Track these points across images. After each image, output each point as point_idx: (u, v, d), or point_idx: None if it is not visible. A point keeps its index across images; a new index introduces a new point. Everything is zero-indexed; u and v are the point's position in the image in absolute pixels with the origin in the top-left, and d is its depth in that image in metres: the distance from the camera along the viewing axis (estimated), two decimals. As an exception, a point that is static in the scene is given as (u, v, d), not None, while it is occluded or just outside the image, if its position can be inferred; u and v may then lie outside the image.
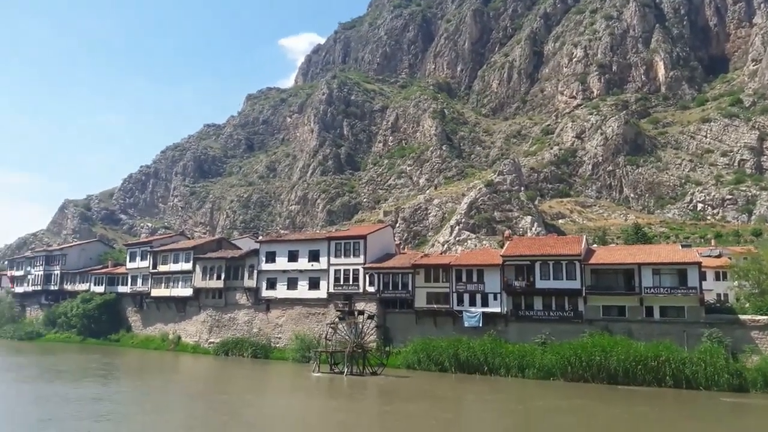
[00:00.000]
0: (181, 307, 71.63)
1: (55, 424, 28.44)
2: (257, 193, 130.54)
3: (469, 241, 72.63)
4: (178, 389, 44.47)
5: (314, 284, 60.42)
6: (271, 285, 63.43)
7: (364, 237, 59.15)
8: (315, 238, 65.24)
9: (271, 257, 63.77)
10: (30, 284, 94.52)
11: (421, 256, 59.25)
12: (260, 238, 75.75)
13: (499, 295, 51.06)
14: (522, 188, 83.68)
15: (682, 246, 51.14)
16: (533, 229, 74.56)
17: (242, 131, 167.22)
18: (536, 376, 45.33)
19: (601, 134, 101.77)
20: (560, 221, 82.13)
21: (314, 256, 60.82)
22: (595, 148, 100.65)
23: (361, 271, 57.71)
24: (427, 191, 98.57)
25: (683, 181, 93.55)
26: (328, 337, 51.19)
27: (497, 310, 50.89)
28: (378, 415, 34.53)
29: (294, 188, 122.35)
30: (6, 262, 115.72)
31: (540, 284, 49.52)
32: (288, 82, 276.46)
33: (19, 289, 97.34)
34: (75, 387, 41.22)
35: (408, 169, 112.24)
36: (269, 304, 63.56)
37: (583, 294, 48.08)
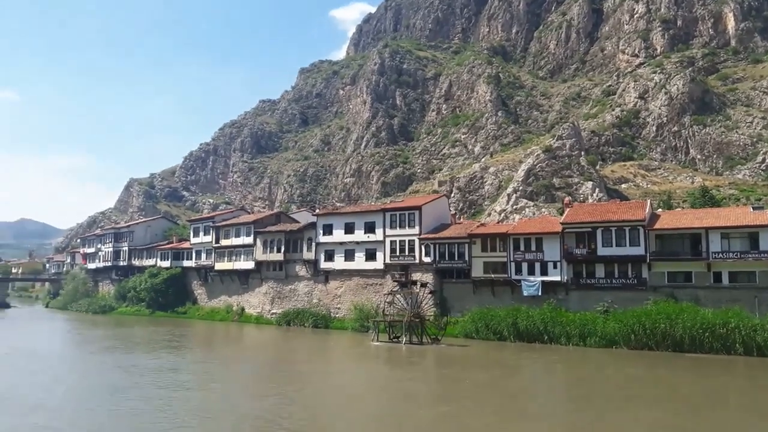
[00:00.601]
0: (243, 280, 73.77)
1: (136, 392, 29.84)
2: (313, 167, 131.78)
3: (526, 209, 71.22)
4: (247, 359, 46.01)
5: (371, 256, 60.88)
6: (329, 257, 64.33)
7: (419, 208, 58.96)
8: (370, 210, 65.49)
9: (328, 230, 64.56)
10: (101, 260, 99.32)
11: (478, 226, 58.60)
12: (317, 211, 76.74)
13: (558, 264, 50.06)
14: (582, 153, 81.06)
15: (754, 208, 48.42)
16: (594, 194, 72.33)
17: (296, 106, 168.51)
18: (598, 344, 44.47)
19: (666, 93, 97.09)
20: (623, 186, 79.39)
21: (370, 228, 61.17)
22: (660, 108, 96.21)
23: (417, 241, 57.66)
24: (483, 159, 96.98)
25: (754, 140, 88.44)
26: (385, 307, 51.63)
27: (557, 278, 49.97)
28: (440, 383, 34.57)
29: (348, 161, 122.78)
30: (79, 240, 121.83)
31: (602, 251, 48.23)
32: (340, 54, 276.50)
33: (91, 266, 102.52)
34: (151, 357, 43.11)
35: (462, 137, 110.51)
36: (328, 276, 64.57)
37: (647, 260, 46.56)
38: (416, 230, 58.05)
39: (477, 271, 53.63)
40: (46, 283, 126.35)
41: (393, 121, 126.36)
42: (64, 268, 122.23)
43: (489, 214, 75.27)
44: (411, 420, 25.15)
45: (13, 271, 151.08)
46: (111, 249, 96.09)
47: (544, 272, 50.56)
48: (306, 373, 37.34)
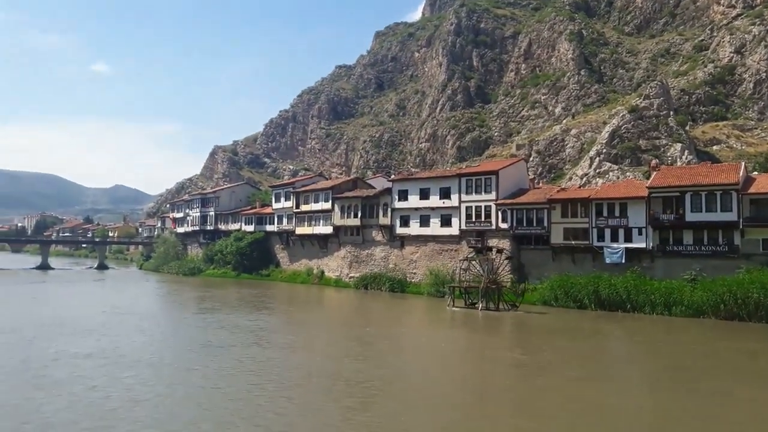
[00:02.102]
0: (323, 244, 75.80)
1: (230, 351, 31.53)
2: (388, 132, 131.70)
3: (610, 173, 68.46)
4: (330, 320, 47.81)
5: (446, 221, 60.80)
6: (405, 222, 64.79)
7: (495, 172, 58.04)
8: (446, 175, 65.13)
9: (403, 195, 64.86)
10: (189, 225, 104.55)
11: (558, 191, 57.09)
12: (392, 177, 77.12)
13: (644, 230, 48.17)
14: (671, 113, 76.60)
15: None
16: (684, 157, 68.46)
17: (371, 70, 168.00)
18: (684, 314, 42.82)
19: (765, 47, 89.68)
20: (715, 148, 74.58)
21: (445, 194, 60.93)
22: (758, 64, 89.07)
23: (494, 207, 56.96)
24: (564, 121, 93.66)
25: None
26: (461, 273, 51.68)
27: (642, 245, 48.16)
28: (519, 348, 34.41)
29: (423, 125, 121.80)
30: (168, 206, 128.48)
31: (690, 217, 45.96)
32: (415, 15, 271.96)
33: (180, 230, 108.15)
34: (244, 317, 45.20)
35: (542, 98, 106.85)
36: (403, 241, 65.15)
37: (740, 227, 43.98)
38: (493, 195, 57.29)
39: (556, 238, 52.48)
40: (140, 246, 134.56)
41: (469, 83, 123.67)
42: (156, 232, 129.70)
43: (570, 179, 73.02)
44: (506, 390, 24.97)
45: (110, 234, 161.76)
46: (198, 214, 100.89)
47: (628, 239, 48.83)
48: (388, 335, 38.21)
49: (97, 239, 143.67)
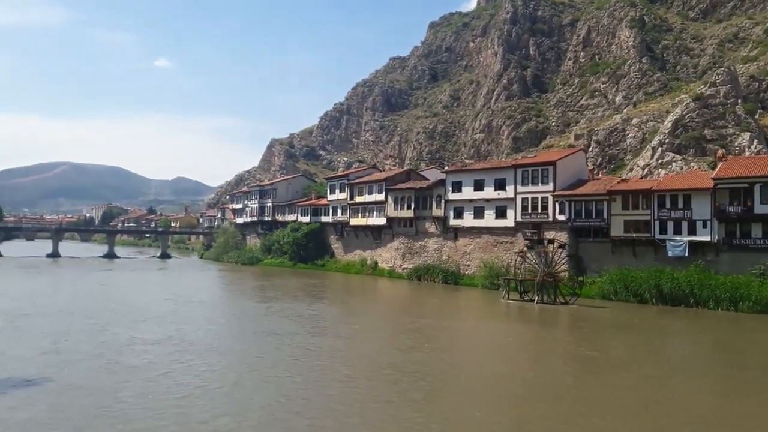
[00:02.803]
0: (376, 235, 76.37)
1: (291, 339, 32.37)
2: (442, 124, 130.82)
3: (673, 164, 66.01)
4: (385, 311, 48.27)
5: (501, 213, 60.14)
6: (458, 214, 64.47)
7: (553, 163, 56.95)
8: (501, 166, 64.34)
9: (457, 187, 64.51)
10: (248, 216, 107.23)
11: (618, 182, 55.55)
12: (446, 168, 76.80)
13: (708, 222, 46.37)
14: (739, 101, 73.10)
15: None
16: (752, 146, 65.30)
17: (426, 61, 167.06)
18: (751, 309, 41.13)
19: None
20: (788, 136, 70.80)
21: (500, 185, 60.23)
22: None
23: (550, 198, 55.95)
24: (625, 110, 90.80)
25: None
26: (517, 265, 51.10)
27: (706, 238, 46.38)
28: (586, 343, 33.51)
29: (478, 116, 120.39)
30: (228, 197, 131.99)
31: (760, 209, 43.95)
32: (470, 5, 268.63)
33: (239, 220, 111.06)
34: (305, 306, 46.24)
35: (602, 87, 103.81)
36: (457, 233, 64.87)
37: (816, 220, 41.74)
38: (550, 187, 56.25)
39: (616, 230, 51.14)
40: (201, 236, 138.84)
41: (526, 73, 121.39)
42: (216, 223, 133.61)
43: (631, 170, 70.86)
44: (579, 387, 24.09)
45: (172, 225, 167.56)
46: (256, 205, 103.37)
47: (691, 231, 47.11)
48: (446, 327, 38.15)
49: (160, 229, 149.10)
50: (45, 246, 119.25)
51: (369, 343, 33.00)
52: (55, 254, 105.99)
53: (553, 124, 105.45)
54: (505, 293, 50.62)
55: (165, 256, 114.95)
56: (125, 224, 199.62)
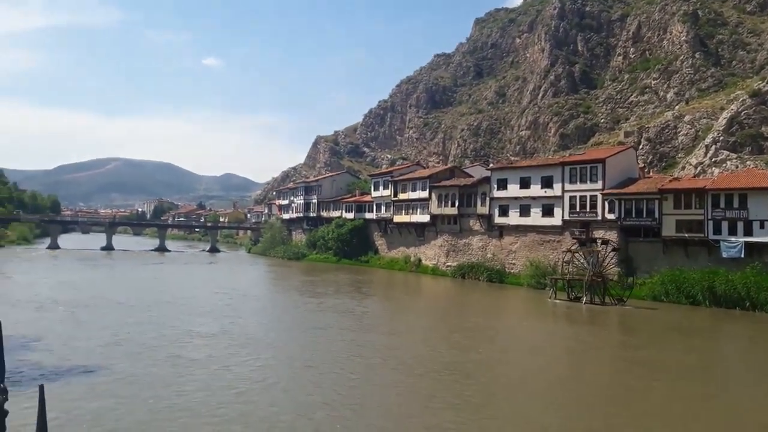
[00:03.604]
0: (420, 232, 76.49)
1: (356, 335, 32.90)
2: (487, 120, 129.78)
3: (728, 162, 63.92)
4: (430, 308, 48.43)
5: (548, 211, 59.43)
6: (504, 212, 63.99)
7: (602, 161, 55.94)
8: (548, 163, 63.54)
9: (502, 184, 64.02)
10: (293, 212, 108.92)
11: (670, 180, 54.17)
12: (491, 165, 76.28)
13: (766, 223, 44.79)
14: (800, 96, 70.13)
15: None
16: (815, 144, 62.70)
17: (471, 58, 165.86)
18: (813, 315, 39.56)
19: None
20: None
21: (547, 183, 59.50)
22: None
23: (599, 197, 54.99)
24: (677, 107, 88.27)
25: None
26: (563, 265, 50.47)
27: (764, 239, 44.82)
28: (647, 347, 32.71)
29: (524, 113, 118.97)
30: (274, 193, 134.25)
31: (822, 210, 42.21)
32: (517, 0, 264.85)
33: (285, 216, 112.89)
34: (357, 303, 46.67)
35: (653, 83, 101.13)
36: (502, 231, 64.42)
37: None
38: (599, 185, 55.30)
39: (668, 230, 49.92)
40: (248, 231, 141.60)
41: (573, 69, 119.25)
42: (263, 218, 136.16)
43: (683, 168, 68.97)
44: (649, 394, 22.55)
45: (221, 220, 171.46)
46: (302, 201, 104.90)
47: (748, 232, 45.60)
48: (495, 326, 38.10)
49: (209, 224, 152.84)
50: (99, 239, 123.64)
51: (422, 341, 32.91)
52: (109, 247, 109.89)
53: (602, 120, 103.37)
54: (552, 293, 50.08)
55: (214, 250, 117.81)
56: (176, 219, 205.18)
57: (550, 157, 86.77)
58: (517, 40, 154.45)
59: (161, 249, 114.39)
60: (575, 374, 26.19)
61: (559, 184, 58.24)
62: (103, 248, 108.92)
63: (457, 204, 69.69)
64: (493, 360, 28.41)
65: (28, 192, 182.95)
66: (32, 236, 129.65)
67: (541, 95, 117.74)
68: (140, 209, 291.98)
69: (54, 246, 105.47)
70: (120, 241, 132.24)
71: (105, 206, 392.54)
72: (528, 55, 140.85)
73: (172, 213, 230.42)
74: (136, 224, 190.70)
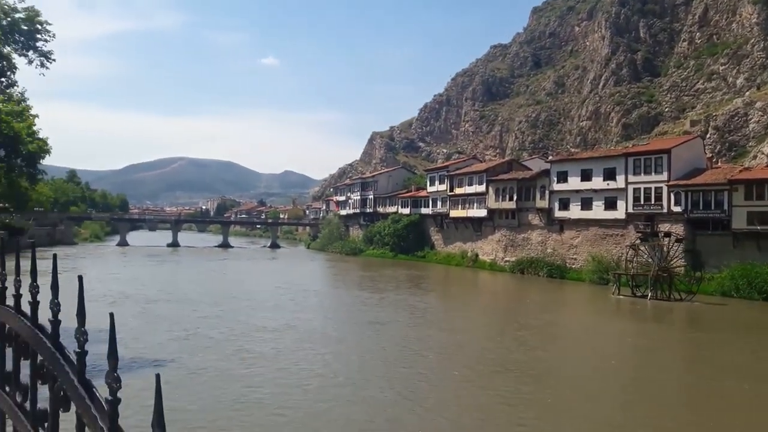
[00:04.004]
0: (477, 227, 75.87)
1: (420, 331, 32.98)
2: (545, 112, 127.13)
3: (805, 150, 60.58)
4: (489, 304, 48.16)
5: (610, 204, 57.83)
6: (564, 205, 62.68)
7: (667, 151, 54.00)
8: (610, 155, 61.84)
9: (562, 177, 62.71)
10: (350, 207, 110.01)
11: (740, 170, 51.75)
12: (550, 157, 74.80)
13: None
14: None
15: None
16: None
17: (528, 48, 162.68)
18: None
19: None
20: None
21: (610, 175, 57.90)
22: None
23: (665, 189, 53.10)
24: (747, 93, 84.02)
25: None
26: (628, 259, 49.03)
27: None
28: (711, 345, 31.45)
29: (584, 103, 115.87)
30: (331, 189, 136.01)
31: None
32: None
33: (342, 212, 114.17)
34: (419, 299, 46.69)
35: (721, 68, 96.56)
36: (562, 225, 63.13)
37: None
38: (664, 176, 53.38)
39: (739, 222, 47.70)
40: (307, 227, 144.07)
41: (636, 56, 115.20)
42: (321, 214, 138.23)
43: (754, 157, 65.66)
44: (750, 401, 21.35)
45: (281, 216, 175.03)
46: (358, 197, 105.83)
47: (827, 224, 43.10)
48: (557, 322, 37.47)
49: (269, 221, 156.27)
50: (165, 236, 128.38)
51: (487, 338, 32.38)
52: (175, 243, 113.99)
53: (667, 109, 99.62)
54: (615, 288, 48.75)
55: (275, 246, 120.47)
56: (238, 216, 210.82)
57: (612, 148, 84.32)
58: (576, 29, 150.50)
59: (224, 245, 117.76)
60: (647, 375, 24.94)
61: (622, 176, 56.59)
62: (169, 245, 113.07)
63: (515, 198, 68.73)
64: (560, 358, 27.77)
65: (99, 191, 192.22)
66: (103, 234, 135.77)
67: (602, 84, 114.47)
68: (204, 207, 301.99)
69: (123, 243, 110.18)
70: (185, 237, 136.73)
71: (171, 204, 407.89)
72: (588, 43, 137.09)
73: (234, 210, 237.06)
74: (201, 221, 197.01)
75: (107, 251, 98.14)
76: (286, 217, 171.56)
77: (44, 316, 2.10)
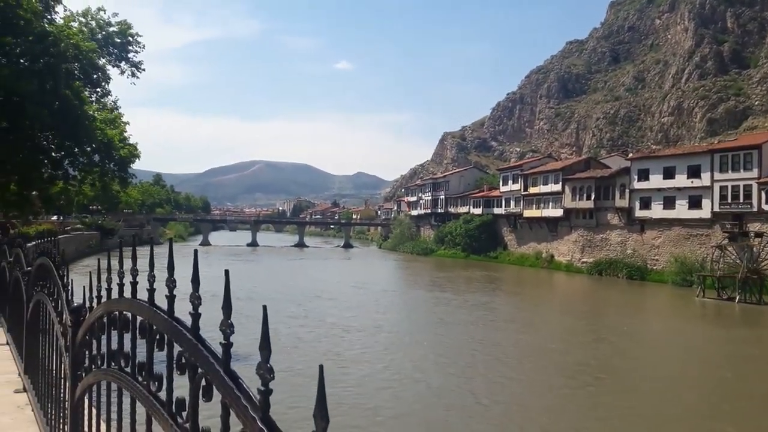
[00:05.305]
0: (552, 227, 74.36)
1: (501, 336, 32.76)
2: (624, 108, 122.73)
3: None
4: (567, 306, 46.90)
5: (695, 203, 55.38)
6: (645, 204, 60.53)
7: (758, 146, 51.17)
8: (694, 151, 59.24)
9: (643, 175, 60.60)
10: (421, 208, 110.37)
11: (840, 166, 48.35)
12: (630, 155, 72.38)
13: None
14: None
15: None
16: None
17: (606, 43, 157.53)
18: None
19: None
20: None
21: (694, 172, 55.47)
22: None
23: (755, 186, 50.32)
24: None
25: None
26: (714, 260, 46.87)
27: None
28: None
29: (666, 98, 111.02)
30: (403, 190, 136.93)
31: None
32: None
33: (413, 212, 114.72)
34: (496, 300, 46.23)
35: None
36: (643, 225, 61.00)
37: None
38: (754, 173, 50.58)
39: (838, 222, 44.64)
40: (379, 228, 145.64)
41: (722, 48, 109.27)
42: (392, 215, 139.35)
43: None
44: None
45: (354, 217, 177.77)
46: (430, 197, 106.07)
47: None
48: (641, 327, 36.03)
49: (342, 221, 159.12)
50: (245, 236, 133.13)
51: (570, 342, 31.18)
52: (254, 243, 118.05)
53: (757, 103, 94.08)
54: (700, 291, 46.69)
55: (348, 245, 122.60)
56: (313, 216, 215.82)
57: (696, 144, 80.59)
58: (657, 21, 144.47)
59: (300, 245, 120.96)
60: (745, 386, 23.31)
61: (708, 174, 54.10)
62: (248, 244, 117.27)
63: (593, 197, 66.95)
64: (648, 365, 26.54)
65: (183, 194, 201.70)
66: (187, 234, 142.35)
67: (685, 78, 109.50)
68: (281, 208, 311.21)
69: (205, 243, 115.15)
70: (263, 237, 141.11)
71: (250, 205, 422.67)
72: (669, 36, 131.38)
73: (309, 211, 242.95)
74: (278, 222, 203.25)
75: (191, 250, 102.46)
76: (358, 217, 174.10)
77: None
